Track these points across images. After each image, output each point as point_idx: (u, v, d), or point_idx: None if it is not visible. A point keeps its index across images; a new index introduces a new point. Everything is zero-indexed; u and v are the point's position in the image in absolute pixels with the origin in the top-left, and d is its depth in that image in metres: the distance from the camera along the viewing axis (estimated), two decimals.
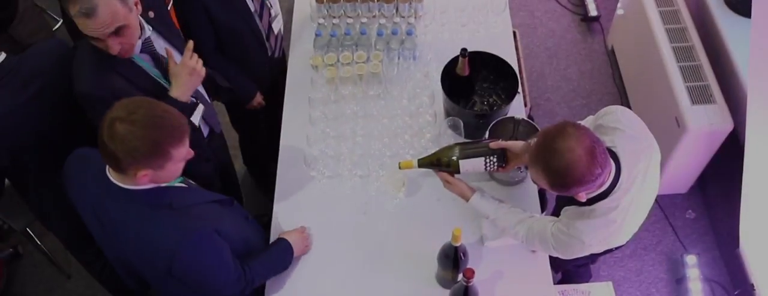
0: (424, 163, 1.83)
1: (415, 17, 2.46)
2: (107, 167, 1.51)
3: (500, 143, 1.75)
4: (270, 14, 2.25)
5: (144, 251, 1.53)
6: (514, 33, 2.61)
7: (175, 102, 1.77)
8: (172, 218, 1.53)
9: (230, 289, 1.67)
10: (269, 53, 2.31)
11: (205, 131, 2.10)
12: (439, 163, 1.80)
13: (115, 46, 1.64)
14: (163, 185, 1.54)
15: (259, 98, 2.29)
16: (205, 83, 2.00)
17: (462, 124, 2.06)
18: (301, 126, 2.16)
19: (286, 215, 2.00)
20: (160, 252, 1.51)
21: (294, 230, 1.87)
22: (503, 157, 1.77)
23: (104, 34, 1.60)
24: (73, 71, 1.76)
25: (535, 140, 1.53)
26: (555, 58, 3.43)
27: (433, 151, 1.86)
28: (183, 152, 1.47)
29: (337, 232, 1.96)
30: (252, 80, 2.34)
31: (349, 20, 2.39)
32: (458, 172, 1.80)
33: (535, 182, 1.58)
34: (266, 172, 2.64)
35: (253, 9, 2.15)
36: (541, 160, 1.47)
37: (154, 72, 1.82)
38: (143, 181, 1.46)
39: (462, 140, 2.05)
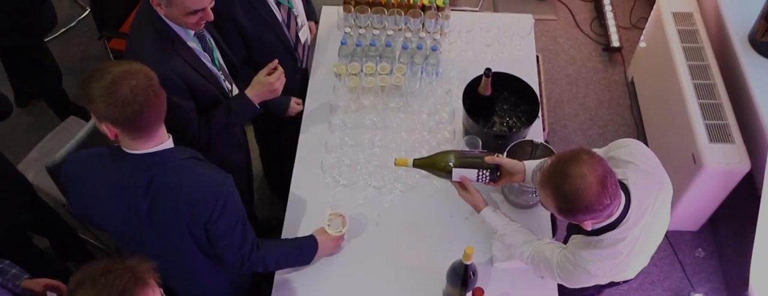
0: (419, 163, 1.88)
1: (441, 34, 2.52)
2: (124, 144, 1.55)
3: (495, 159, 1.81)
4: (297, 24, 2.31)
5: (199, 197, 1.58)
6: (538, 57, 2.67)
7: (245, 100, 1.97)
8: (203, 166, 1.64)
9: (245, 247, 1.71)
10: (298, 63, 2.37)
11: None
12: (434, 166, 1.86)
13: (209, 13, 1.77)
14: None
15: (296, 107, 2.32)
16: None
17: (480, 143, 2.10)
18: (320, 132, 2.22)
19: (298, 220, 2.04)
20: (217, 197, 1.58)
21: (332, 235, 1.90)
22: (496, 172, 1.82)
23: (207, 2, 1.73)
24: (134, 55, 1.82)
25: (547, 162, 1.57)
26: (574, 86, 3.49)
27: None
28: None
29: (347, 240, 2.00)
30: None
31: (376, 31, 2.46)
32: (450, 178, 1.86)
33: (543, 205, 1.62)
34: (282, 175, 2.68)
35: (280, 19, 2.21)
36: (552, 183, 1.51)
37: (204, 56, 1.93)
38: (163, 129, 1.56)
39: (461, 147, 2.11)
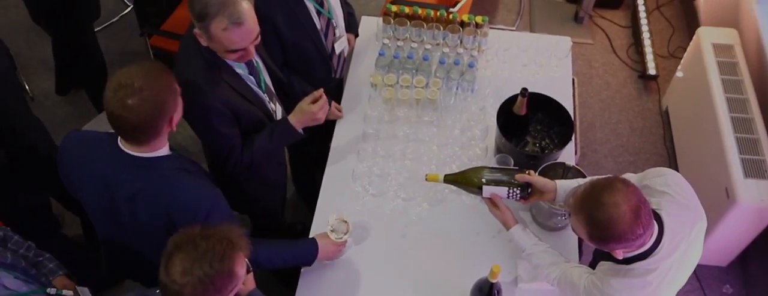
0: (449, 179, 1.90)
1: (479, 51, 2.55)
2: (122, 142, 1.61)
3: (526, 178, 1.82)
4: (334, 34, 2.34)
5: (181, 210, 1.62)
6: (574, 80, 2.68)
7: (287, 127, 2.01)
8: (194, 179, 1.67)
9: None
10: (332, 73, 2.41)
11: None
12: (465, 182, 1.87)
13: (251, 52, 1.78)
14: (171, 153, 1.68)
15: (337, 113, 2.35)
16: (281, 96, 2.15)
17: (512, 162, 2.12)
18: (352, 141, 2.25)
19: (324, 226, 2.06)
20: (197, 208, 1.61)
21: (333, 240, 1.92)
22: (527, 191, 1.83)
23: (251, 40, 1.74)
24: (181, 83, 1.75)
25: (581, 188, 1.58)
26: (607, 112, 3.49)
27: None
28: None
29: (372, 251, 2.02)
30: None
31: (414, 45, 2.49)
32: (480, 194, 1.87)
33: (574, 231, 1.62)
34: (310, 181, 2.72)
35: (319, 28, 2.24)
36: (585, 209, 1.51)
37: (250, 79, 1.96)
38: (173, 127, 1.60)
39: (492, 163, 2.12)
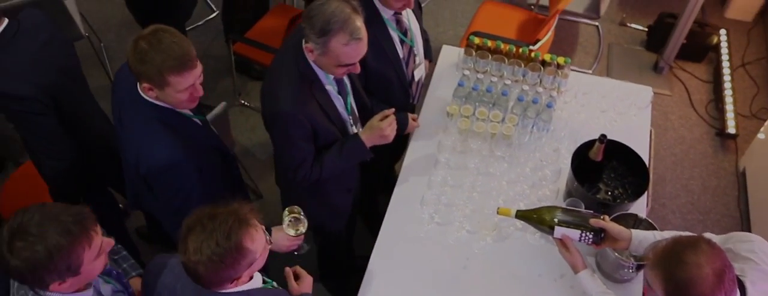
0: (521, 215, 1.92)
1: (558, 92, 2.58)
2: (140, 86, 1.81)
3: (600, 223, 1.82)
4: (415, 62, 2.43)
5: (137, 149, 1.84)
6: (651, 132, 2.68)
7: (357, 142, 2.07)
8: (166, 136, 1.83)
9: (170, 223, 1.97)
10: (410, 99, 2.49)
11: None
12: (537, 220, 1.89)
13: (357, 67, 1.89)
14: (180, 111, 1.87)
15: (414, 124, 2.40)
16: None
17: (583, 207, 2.13)
18: (424, 168, 2.31)
19: (387, 250, 2.12)
20: (145, 155, 1.82)
21: (289, 235, 1.94)
22: (600, 236, 1.83)
23: (362, 55, 1.86)
24: (272, 89, 1.96)
25: (663, 243, 1.58)
26: (680, 166, 3.44)
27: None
28: (184, 80, 1.74)
29: (432, 279, 2.06)
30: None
31: (494, 78, 2.55)
32: (551, 234, 1.88)
33: (648, 286, 1.61)
34: (374, 205, 2.78)
35: (401, 56, 2.32)
36: (665, 267, 1.51)
37: (338, 99, 2.05)
38: (150, 95, 1.79)
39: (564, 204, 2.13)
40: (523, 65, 2.59)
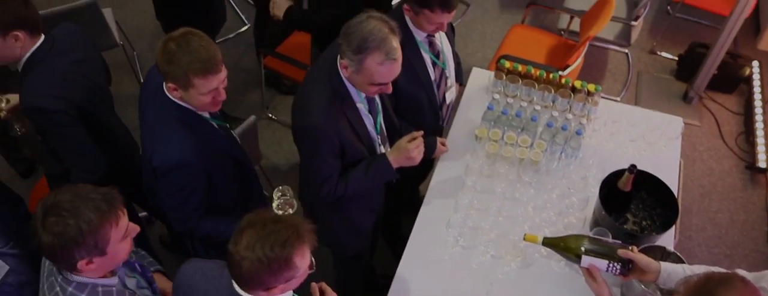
0: (548, 242, 1.91)
1: (587, 119, 2.59)
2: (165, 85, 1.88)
3: (628, 254, 1.81)
4: (446, 84, 2.46)
5: (153, 142, 1.91)
6: (680, 163, 2.67)
7: (384, 162, 2.08)
8: (182, 136, 1.89)
9: (173, 219, 2.02)
10: (440, 122, 2.52)
11: None
12: (565, 248, 1.88)
13: (390, 87, 1.93)
14: (201, 113, 1.94)
15: (443, 148, 2.45)
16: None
17: (610, 236, 2.12)
18: (450, 190, 2.33)
19: (410, 271, 2.13)
20: (165, 158, 1.87)
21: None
22: (627, 267, 1.82)
23: (396, 76, 1.89)
24: (304, 103, 1.99)
25: (695, 278, 1.57)
26: (707, 199, 3.41)
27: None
28: (208, 84, 1.81)
29: None
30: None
31: (523, 103, 2.57)
32: (578, 262, 1.88)
33: None
34: (397, 227, 2.79)
35: (433, 78, 2.36)
36: None
37: (368, 118, 2.08)
38: (175, 95, 1.86)
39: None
40: (553, 91, 2.61)
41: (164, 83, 1.88)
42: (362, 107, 2.06)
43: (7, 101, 2.33)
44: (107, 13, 3.52)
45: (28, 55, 2.09)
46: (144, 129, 2.01)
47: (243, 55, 4.00)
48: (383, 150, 2.20)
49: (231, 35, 4.10)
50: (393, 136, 2.28)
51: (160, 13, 3.19)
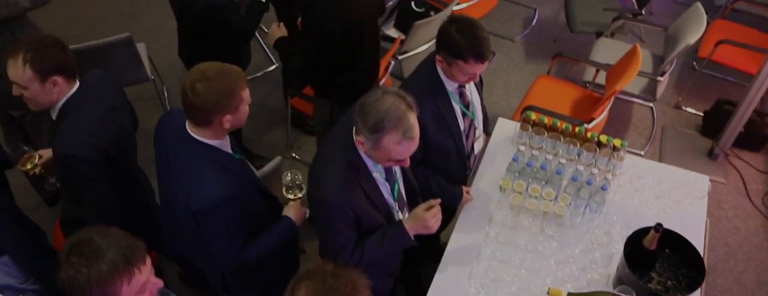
0: None
1: (612, 174, 2.62)
2: (189, 123, 1.95)
3: None
4: (474, 134, 2.51)
5: (188, 187, 1.94)
6: (706, 222, 2.67)
7: (401, 231, 2.06)
8: (216, 174, 1.95)
9: (222, 261, 2.04)
10: (467, 172, 2.56)
11: None
12: None
13: (408, 161, 1.93)
14: (229, 152, 2.01)
15: (468, 197, 2.47)
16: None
17: (634, 295, 2.12)
18: (473, 240, 2.35)
19: None
20: (206, 199, 1.91)
21: (292, 204, 2.18)
22: None
23: (414, 151, 1.88)
24: (319, 175, 1.98)
25: None
26: (733, 259, 3.38)
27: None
28: (248, 94, 1.94)
29: None
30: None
31: (549, 156, 2.60)
32: None
33: None
34: (416, 277, 2.79)
35: (462, 128, 2.40)
36: None
37: (384, 186, 2.06)
38: (226, 127, 1.91)
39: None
40: (578, 145, 2.65)
41: (190, 125, 1.95)
42: (379, 176, 2.03)
43: (40, 157, 2.38)
44: (141, 47, 3.66)
45: (63, 101, 2.15)
46: (171, 176, 2.05)
47: (269, 94, 4.11)
48: (402, 216, 2.18)
49: (259, 74, 4.22)
50: (413, 199, 2.27)
51: (182, 51, 3.27)
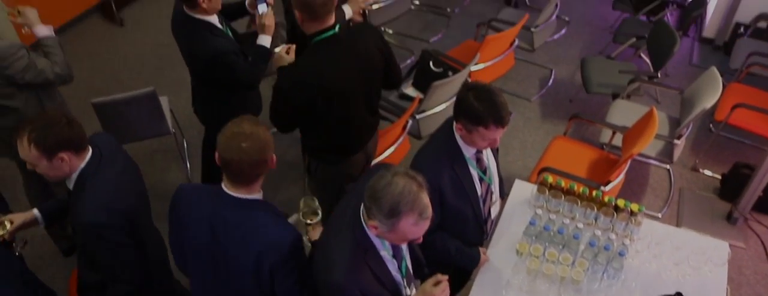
0: None
1: (630, 239, 2.63)
2: (226, 186, 2.02)
3: None
4: (491, 199, 2.54)
5: (271, 244, 1.99)
6: (727, 290, 2.65)
7: None
8: (281, 220, 2.05)
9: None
10: (484, 236, 2.58)
11: None
12: None
13: (418, 241, 1.95)
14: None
15: (485, 258, 2.49)
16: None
17: None
18: None
19: None
20: (284, 242, 1.98)
21: (313, 229, 2.31)
22: None
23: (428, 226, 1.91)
24: (325, 255, 1.96)
25: None
26: None
27: None
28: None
29: None
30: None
31: (566, 220, 2.63)
32: None
33: None
34: None
35: (479, 194, 2.44)
36: None
37: (392, 263, 2.05)
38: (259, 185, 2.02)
39: None
40: (595, 209, 2.67)
41: (234, 187, 2.00)
42: (386, 253, 2.04)
43: (11, 222, 2.37)
44: (163, 101, 3.78)
45: (79, 171, 2.19)
46: (230, 238, 2.03)
47: (288, 149, 4.19)
48: (409, 292, 2.18)
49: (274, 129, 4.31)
50: (419, 271, 2.27)
51: (195, 103, 3.34)
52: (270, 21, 2.97)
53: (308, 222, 2.29)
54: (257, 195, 2.04)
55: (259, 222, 2.00)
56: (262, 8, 2.99)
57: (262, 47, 3.00)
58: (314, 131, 2.76)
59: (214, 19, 2.94)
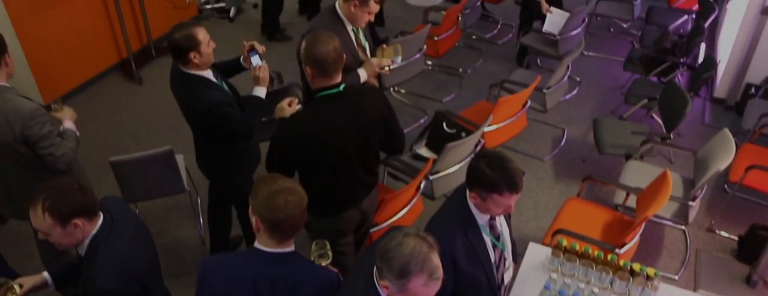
0: None
1: None
2: (262, 244, 2.06)
3: None
4: (505, 265, 2.57)
5: (321, 291, 2.08)
6: None
7: None
8: (318, 266, 2.19)
9: None
10: None
11: None
12: None
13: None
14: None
15: None
16: None
17: None
18: None
19: None
20: (331, 284, 2.09)
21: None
22: None
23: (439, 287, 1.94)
24: None
25: None
26: None
27: None
28: None
29: None
30: None
31: (581, 284, 2.63)
32: None
33: None
34: None
35: (493, 260, 2.46)
36: None
37: None
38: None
39: None
40: (611, 273, 2.68)
41: (276, 243, 2.05)
42: None
43: (20, 286, 2.39)
44: (179, 159, 3.86)
45: (90, 237, 2.22)
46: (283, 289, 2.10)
47: None
48: None
49: None
50: None
51: (198, 159, 3.44)
52: (264, 73, 3.11)
53: (322, 264, 2.35)
54: (292, 247, 2.11)
55: (303, 270, 2.09)
56: (255, 61, 3.16)
57: (257, 98, 3.12)
58: (307, 181, 2.80)
59: (208, 73, 3.07)
